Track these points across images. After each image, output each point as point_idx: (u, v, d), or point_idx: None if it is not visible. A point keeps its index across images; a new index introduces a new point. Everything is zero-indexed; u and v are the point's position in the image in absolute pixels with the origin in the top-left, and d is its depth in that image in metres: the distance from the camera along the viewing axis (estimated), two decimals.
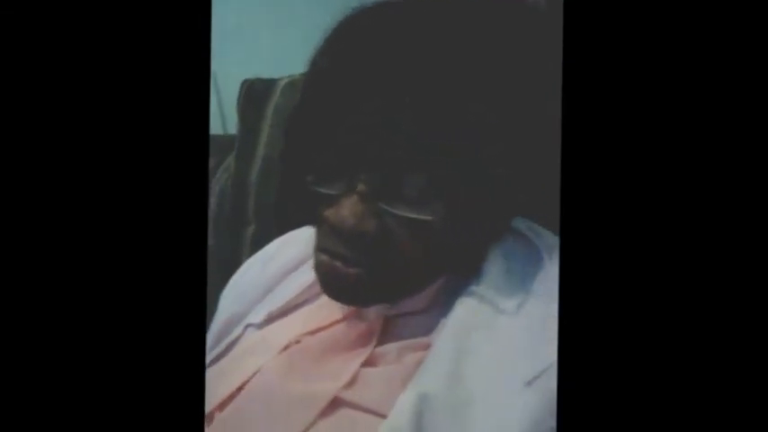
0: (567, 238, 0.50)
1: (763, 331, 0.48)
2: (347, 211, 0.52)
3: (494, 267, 0.54)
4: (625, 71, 0.50)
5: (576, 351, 0.50)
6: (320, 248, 0.55)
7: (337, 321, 0.57)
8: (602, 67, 0.50)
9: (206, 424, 0.55)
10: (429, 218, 0.52)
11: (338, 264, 0.53)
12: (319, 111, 0.54)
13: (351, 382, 0.53)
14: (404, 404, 0.50)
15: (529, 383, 0.49)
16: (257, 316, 0.62)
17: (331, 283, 0.54)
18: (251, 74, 0.87)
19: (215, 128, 0.94)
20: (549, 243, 0.55)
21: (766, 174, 0.48)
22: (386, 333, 0.56)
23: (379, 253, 0.52)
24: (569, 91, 0.50)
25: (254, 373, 0.57)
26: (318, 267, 0.55)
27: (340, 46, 0.54)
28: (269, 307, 0.62)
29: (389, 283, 0.54)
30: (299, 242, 0.64)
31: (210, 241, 0.82)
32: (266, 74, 0.87)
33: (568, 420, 0.49)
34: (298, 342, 0.58)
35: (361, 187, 0.52)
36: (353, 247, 0.52)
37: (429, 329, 0.54)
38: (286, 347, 0.58)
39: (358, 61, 0.52)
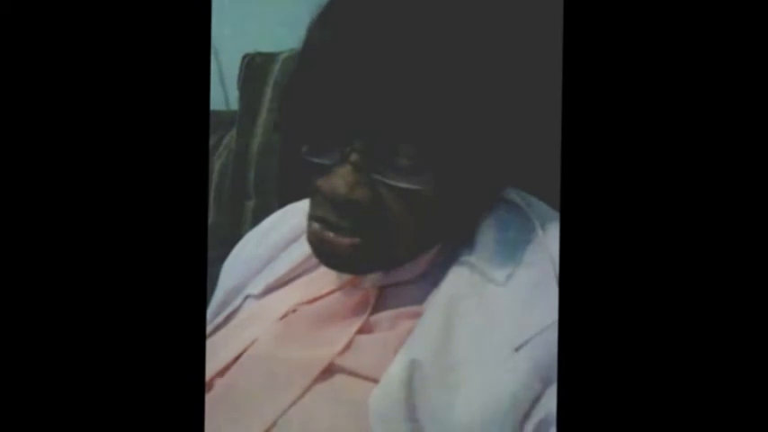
0: (567, 209, 0.50)
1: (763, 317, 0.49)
2: (339, 179, 0.52)
3: (486, 237, 0.55)
4: (626, 47, 0.50)
5: (576, 321, 0.50)
6: (312, 217, 0.55)
7: (333, 291, 0.58)
8: (603, 41, 0.50)
9: (207, 390, 0.56)
10: (420, 187, 0.52)
11: (330, 233, 0.54)
12: (314, 81, 0.54)
13: (346, 349, 0.54)
14: (395, 369, 0.51)
15: (517, 349, 0.50)
16: (256, 287, 0.63)
17: (323, 251, 0.55)
18: (253, 49, 0.88)
19: (217, 104, 0.95)
20: (542, 213, 0.55)
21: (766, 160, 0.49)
22: (381, 302, 0.57)
23: (372, 222, 0.53)
24: (568, 67, 0.50)
25: (253, 341, 0.58)
26: (310, 236, 0.56)
27: (336, 17, 0.55)
28: (268, 278, 0.63)
29: (382, 252, 0.55)
30: (298, 214, 0.64)
31: (212, 216, 0.83)
32: (269, 48, 0.87)
33: (567, 388, 0.49)
34: (295, 311, 0.59)
35: (354, 157, 0.52)
36: (345, 216, 0.53)
37: (422, 298, 0.55)
38: (284, 316, 0.59)
39: (353, 32, 0.53)
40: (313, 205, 0.55)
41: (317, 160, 0.54)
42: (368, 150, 0.52)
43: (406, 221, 0.53)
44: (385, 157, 0.52)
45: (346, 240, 0.53)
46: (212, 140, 0.89)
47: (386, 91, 0.51)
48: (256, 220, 0.75)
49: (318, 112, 0.54)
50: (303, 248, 0.62)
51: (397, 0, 0.52)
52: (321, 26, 0.55)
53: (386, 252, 0.55)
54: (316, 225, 0.55)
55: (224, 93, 0.94)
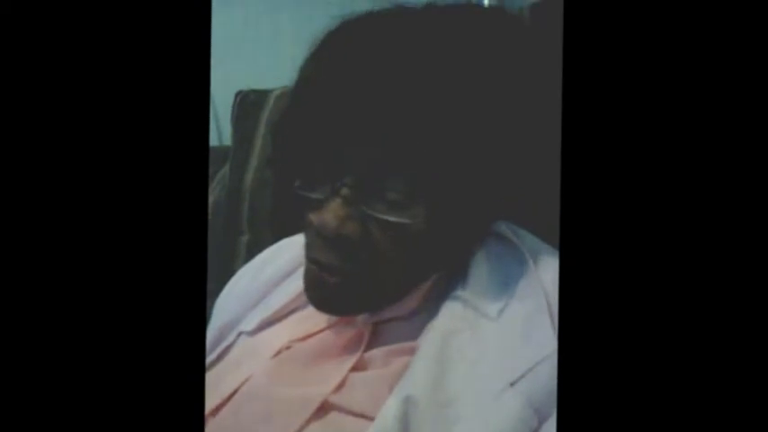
0: (566, 240, 0.50)
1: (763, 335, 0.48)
2: (330, 214, 0.52)
3: (478, 271, 0.55)
4: (625, 74, 0.50)
5: (575, 351, 0.50)
6: (308, 257, 0.55)
7: (327, 328, 0.58)
8: (603, 68, 0.50)
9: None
10: (410, 221, 0.52)
11: (324, 274, 0.54)
12: (306, 117, 0.55)
13: (339, 387, 0.54)
14: (390, 407, 0.51)
15: (513, 384, 0.50)
16: (250, 323, 0.63)
17: (315, 293, 0.55)
18: (245, 86, 0.88)
19: (211, 140, 0.96)
20: (533, 246, 0.55)
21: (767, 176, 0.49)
22: (374, 338, 0.56)
23: (362, 258, 0.53)
24: (566, 95, 0.50)
25: (247, 379, 0.57)
26: (306, 276, 0.56)
27: (327, 54, 0.55)
28: (261, 314, 0.63)
29: (373, 291, 0.54)
30: (291, 249, 0.65)
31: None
32: (260, 86, 0.88)
33: (567, 421, 0.49)
34: (288, 348, 0.58)
35: (344, 191, 0.53)
36: (337, 253, 0.53)
37: (416, 334, 0.55)
38: (277, 354, 0.58)
39: (344, 69, 0.53)
40: (308, 243, 0.56)
41: (308, 195, 0.54)
42: (358, 185, 0.52)
43: (396, 255, 0.53)
44: (375, 192, 0.52)
45: (336, 282, 0.54)
46: None
47: (376, 126, 0.52)
48: (250, 254, 0.75)
49: (310, 147, 0.54)
50: (297, 284, 0.62)
51: (386, 39, 0.53)
52: (313, 63, 0.56)
53: (376, 290, 0.55)
54: (311, 266, 0.55)
55: (217, 129, 0.95)
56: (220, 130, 0.94)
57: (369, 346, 0.56)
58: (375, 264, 0.53)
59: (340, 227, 0.52)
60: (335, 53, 0.55)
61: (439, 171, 0.52)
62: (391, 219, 0.52)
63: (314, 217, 0.53)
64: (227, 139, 0.90)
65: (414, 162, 0.52)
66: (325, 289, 0.54)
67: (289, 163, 0.57)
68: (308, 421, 0.53)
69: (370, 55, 0.53)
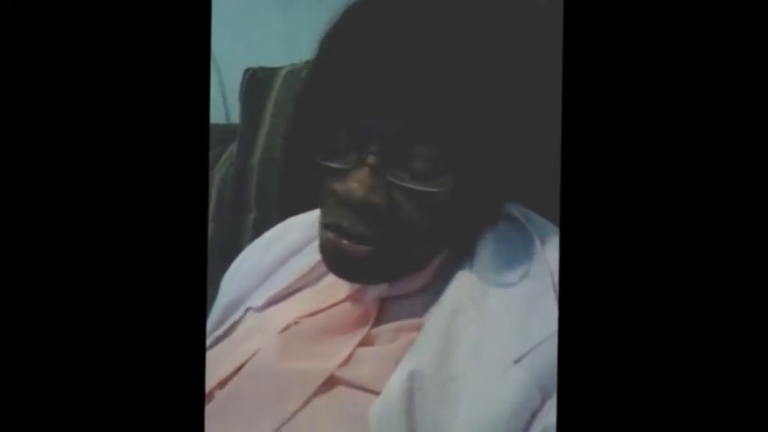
0: (567, 222, 0.50)
1: (763, 328, 0.49)
2: (356, 183, 0.52)
3: (486, 250, 0.55)
4: (627, 60, 0.50)
5: (576, 332, 0.51)
6: (326, 225, 0.55)
7: (335, 304, 0.58)
8: (603, 55, 0.50)
9: (207, 401, 0.56)
10: (437, 189, 0.52)
11: (345, 242, 0.53)
12: (330, 87, 0.54)
13: (347, 361, 0.54)
14: (395, 381, 0.51)
15: (517, 361, 0.50)
16: (257, 300, 0.63)
17: (337, 261, 0.55)
18: (254, 63, 0.89)
19: (218, 117, 0.96)
20: (540, 227, 0.56)
21: (766, 168, 0.49)
22: (382, 315, 0.57)
23: (387, 227, 0.53)
24: (570, 80, 0.50)
25: (254, 353, 0.58)
26: (324, 246, 0.55)
27: (352, 25, 0.55)
28: (269, 291, 0.63)
29: (395, 260, 0.54)
30: (299, 227, 0.65)
31: (212, 228, 0.83)
32: (270, 63, 0.88)
33: (567, 400, 0.50)
34: (296, 323, 0.59)
35: (371, 159, 0.52)
36: (361, 222, 0.53)
37: (423, 311, 0.56)
38: (285, 329, 0.59)
39: (366, 39, 0.53)
40: (325, 212, 0.55)
41: (332, 165, 0.54)
42: (385, 152, 0.52)
43: (421, 225, 0.53)
44: (402, 160, 0.52)
45: (361, 248, 0.53)
46: (213, 154, 0.89)
47: (401, 93, 0.51)
48: (257, 232, 0.75)
49: (335, 116, 0.54)
50: (305, 261, 0.62)
51: (411, 9, 0.53)
52: (335, 34, 0.55)
53: (399, 260, 0.55)
54: (330, 234, 0.54)
55: (225, 107, 0.95)
56: (228, 107, 0.95)
57: (376, 323, 0.57)
58: (400, 232, 0.53)
59: (368, 195, 0.52)
60: (358, 24, 0.54)
61: (464, 138, 0.51)
62: (418, 188, 0.52)
63: (338, 186, 0.53)
64: (236, 117, 0.90)
65: (439, 129, 0.51)
66: (346, 256, 0.54)
67: (311, 133, 0.56)
68: (314, 395, 0.54)
69: (393, 25, 0.52)
